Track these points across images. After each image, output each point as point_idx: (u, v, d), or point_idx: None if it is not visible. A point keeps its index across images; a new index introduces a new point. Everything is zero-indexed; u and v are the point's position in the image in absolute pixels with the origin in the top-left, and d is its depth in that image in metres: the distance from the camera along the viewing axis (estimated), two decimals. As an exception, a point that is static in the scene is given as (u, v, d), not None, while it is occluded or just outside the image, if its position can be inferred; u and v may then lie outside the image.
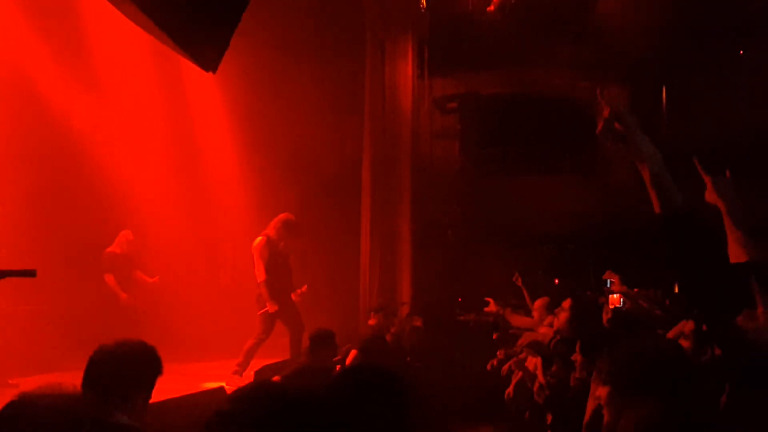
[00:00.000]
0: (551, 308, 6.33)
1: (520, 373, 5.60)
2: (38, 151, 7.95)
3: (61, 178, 8.14)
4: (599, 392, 3.34)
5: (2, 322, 6.82)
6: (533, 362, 5.45)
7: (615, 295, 6.15)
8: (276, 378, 5.15)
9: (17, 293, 6.88)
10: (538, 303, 6.54)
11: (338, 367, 6.32)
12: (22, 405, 1.61)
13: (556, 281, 6.74)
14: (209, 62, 2.58)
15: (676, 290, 5.51)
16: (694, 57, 8.93)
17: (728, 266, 1.71)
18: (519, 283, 7.87)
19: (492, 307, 7.04)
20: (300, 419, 1.29)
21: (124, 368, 2.28)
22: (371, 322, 6.55)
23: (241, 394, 1.36)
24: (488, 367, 6.39)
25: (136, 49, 8.51)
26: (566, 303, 4.37)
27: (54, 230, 7.89)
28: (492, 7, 9.06)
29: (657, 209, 1.74)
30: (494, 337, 7.69)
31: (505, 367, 6.82)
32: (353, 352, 6.00)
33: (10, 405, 1.63)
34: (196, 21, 2.44)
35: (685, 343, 3.47)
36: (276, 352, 7.45)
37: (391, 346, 6.97)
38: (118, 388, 2.23)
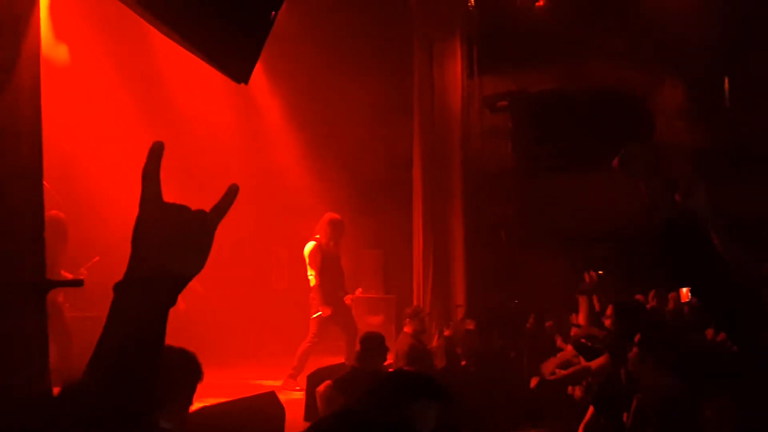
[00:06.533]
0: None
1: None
2: (90, 153, 8.03)
3: (110, 175, 8.16)
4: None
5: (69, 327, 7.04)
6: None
7: (684, 290, 6.01)
8: (328, 382, 5.17)
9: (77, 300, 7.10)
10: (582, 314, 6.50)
11: (391, 370, 6.32)
12: None
13: (611, 280, 6.58)
14: (240, 74, 2.57)
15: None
16: (759, 46, 8.52)
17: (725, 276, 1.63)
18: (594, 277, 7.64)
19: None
20: None
21: (163, 375, 2.29)
22: (407, 329, 6.47)
23: (323, 425, 1.37)
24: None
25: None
26: (609, 310, 4.38)
27: (108, 236, 8.05)
28: (542, 2, 8.89)
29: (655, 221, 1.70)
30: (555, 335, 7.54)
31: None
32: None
33: None
34: (224, 35, 2.44)
35: None
36: (335, 353, 7.55)
37: (444, 350, 6.92)
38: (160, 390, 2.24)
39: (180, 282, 1.07)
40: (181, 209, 1.10)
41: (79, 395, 0.98)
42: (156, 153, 1.10)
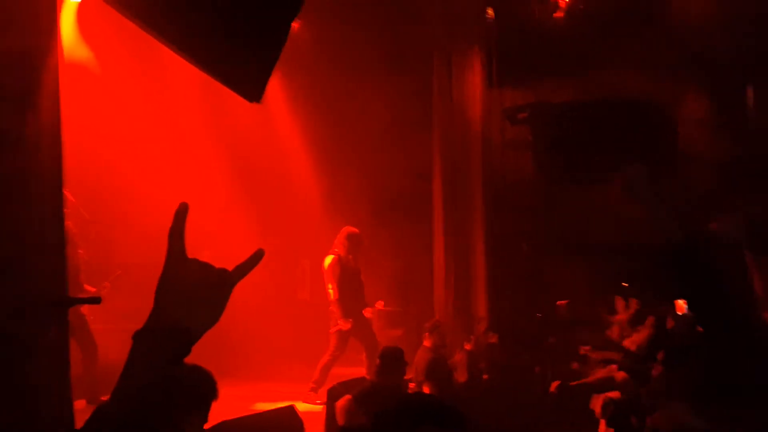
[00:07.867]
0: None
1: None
2: (116, 164, 8.07)
3: (133, 192, 8.20)
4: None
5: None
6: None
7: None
8: (347, 396, 5.15)
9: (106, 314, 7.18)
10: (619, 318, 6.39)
11: (412, 384, 6.29)
12: None
13: (633, 292, 6.51)
14: (252, 95, 2.58)
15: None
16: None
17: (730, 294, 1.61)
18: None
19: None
20: None
21: (177, 392, 2.31)
22: (426, 343, 6.43)
23: None
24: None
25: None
26: (649, 320, 4.32)
27: (135, 250, 8.14)
28: (561, 13, 8.85)
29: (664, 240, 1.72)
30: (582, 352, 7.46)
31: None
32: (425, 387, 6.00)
33: None
34: (235, 56, 2.44)
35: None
36: (355, 364, 7.55)
37: (465, 364, 6.87)
38: (172, 411, 2.26)
39: (193, 335, 1.15)
40: (203, 267, 1.17)
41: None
42: (182, 214, 1.18)
